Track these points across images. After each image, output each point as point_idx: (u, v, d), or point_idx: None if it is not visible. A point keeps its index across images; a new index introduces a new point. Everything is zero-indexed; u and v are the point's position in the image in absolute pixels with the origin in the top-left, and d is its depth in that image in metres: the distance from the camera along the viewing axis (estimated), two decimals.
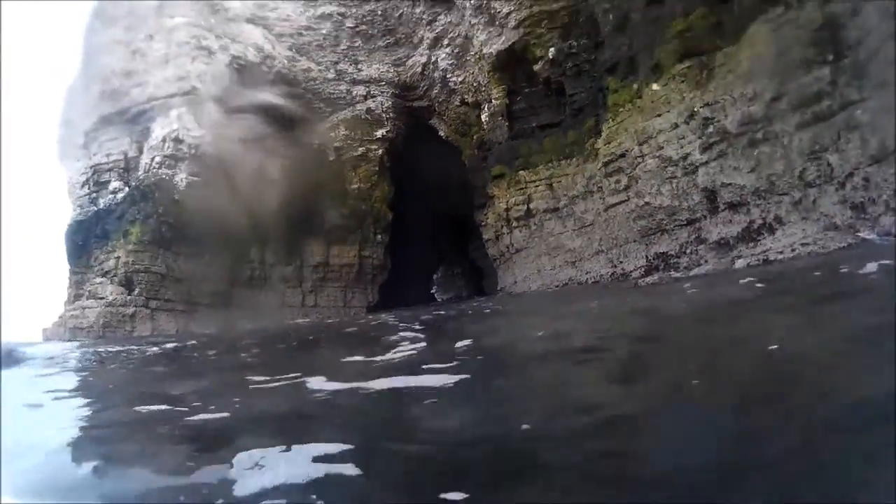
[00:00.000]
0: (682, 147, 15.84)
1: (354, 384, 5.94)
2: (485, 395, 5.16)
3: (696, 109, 15.36)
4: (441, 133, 30.20)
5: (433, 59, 29.12)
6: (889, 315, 4.47)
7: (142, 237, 26.25)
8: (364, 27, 31.26)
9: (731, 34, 14.77)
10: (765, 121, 13.43)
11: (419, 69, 30.17)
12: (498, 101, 24.61)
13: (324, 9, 31.00)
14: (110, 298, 25.41)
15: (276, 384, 6.63)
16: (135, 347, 15.51)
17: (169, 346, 15.72)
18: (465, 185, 28.88)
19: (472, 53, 26.08)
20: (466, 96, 27.23)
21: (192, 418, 4.87)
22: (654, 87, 17.22)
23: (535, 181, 22.66)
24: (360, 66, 31.26)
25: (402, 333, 11.51)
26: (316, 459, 3.23)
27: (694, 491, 2.53)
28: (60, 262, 29.35)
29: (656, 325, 7.83)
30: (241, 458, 3.27)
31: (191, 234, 26.71)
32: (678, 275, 13.59)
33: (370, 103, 30.83)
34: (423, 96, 30.78)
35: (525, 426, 3.75)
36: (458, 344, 8.20)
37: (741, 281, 9.15)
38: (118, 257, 26.19)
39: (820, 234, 11.37)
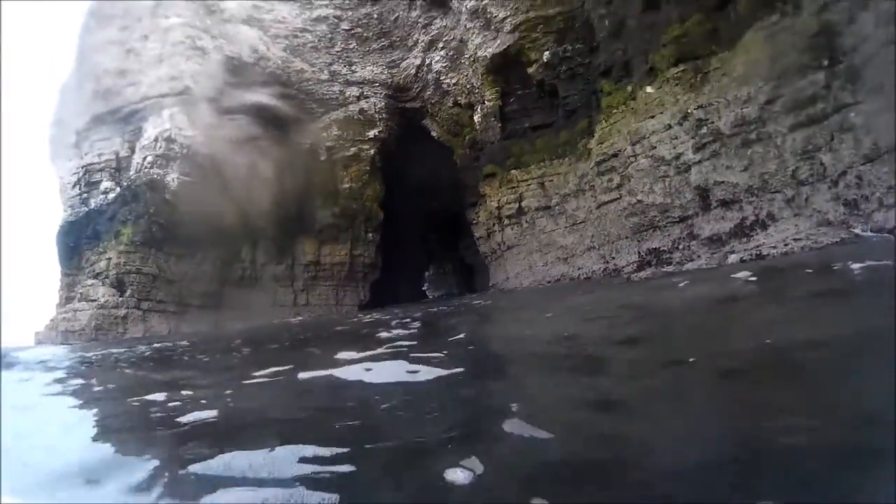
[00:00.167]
0: (675, 147, 15.89)
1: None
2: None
3: (689, 111, 15.42)
4: (433, 133, 30.22)
5: (427, 61, 29.19)
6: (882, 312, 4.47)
7: (133, 238, 26.14)
8: (359, 30, 31.32)
9: (727, 40, 14.82)
10: (758, 122, 13.49)
11: (413, 71, 30.23)
12: (491, 103, 24.66)
13: (320, 11, 31.08)
14: (102, 300, 25.28)
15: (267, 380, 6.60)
16: (124, 349, 15.39)
17: (157, 346, 15.60)
18: (457, 184, 28.96)
19: (467, 56, 26.13)
20: (459, 98, 27.28)
21: (182, 418, 4.82)
22: (648, 89, 17.28)
23: (526, 180, 22.71)
24: (353, 68, 31.31)
25: (395, 331, 11.49)
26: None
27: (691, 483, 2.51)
28: (54, 265, 29.38)
29: (648, 317, 7.81)
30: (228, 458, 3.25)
31: (182, 234, 26.63)
32: (670, 269, 13.59)
33: (363, 104, 30.86)
34: (416, 97, 30.82)
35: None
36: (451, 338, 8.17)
37: (734, 276, 9.13)
38: (109, 258, 26.07)
39: (813, 229, 11.41)
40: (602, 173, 18.84)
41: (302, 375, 6.68)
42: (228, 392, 6.19)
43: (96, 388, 8.25)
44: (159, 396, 5.93)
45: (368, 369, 6.41)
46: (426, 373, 5.80)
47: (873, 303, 5.37)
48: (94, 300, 25.50)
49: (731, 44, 14.68)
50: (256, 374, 7.18)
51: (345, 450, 3.33)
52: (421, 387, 5.34)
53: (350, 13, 31.15)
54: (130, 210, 26.46)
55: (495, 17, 23.87)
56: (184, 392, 6.21)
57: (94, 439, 4.45)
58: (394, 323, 14.25)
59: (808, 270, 8.27)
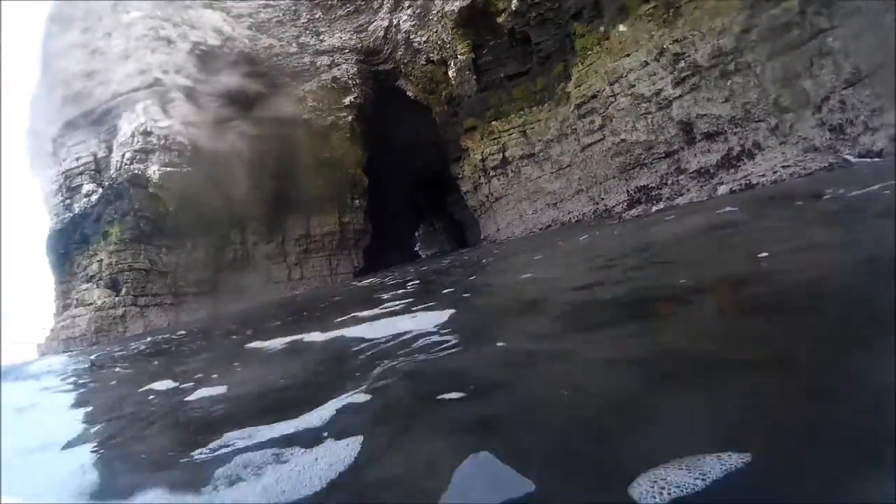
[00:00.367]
0: (654, 84, 15.80)
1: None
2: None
3: (665, 46, 15.30)
4: (409, 93, 29.84)
5: (395, 21, 28.64)
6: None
7: (121, 236, 26.03)
8: None
9: None
10: (736, 52, 13.42)
11: (381, 33, 29.69)
12: (464, 57, 24.33)
13: None
14: (99, 303, 25.32)
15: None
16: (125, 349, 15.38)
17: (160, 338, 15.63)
18: (438, 142, 28.87)
19: (435, 13, 25.66)
20: (432, 55, 26.85)
21: (190, 405, 4.86)
22: (622, 28, 17.11)
23: (508, 130, 22.64)
24: (321, 37, 30.76)
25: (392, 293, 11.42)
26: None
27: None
28: (48, 275, 29.28)
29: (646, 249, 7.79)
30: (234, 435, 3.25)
31: (170, 225, 26.62)
32: (661, 206, 13.66)
33: (335, 72, 30.43)
34: (387, 59, 30.34)
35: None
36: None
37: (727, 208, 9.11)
38: (101, 260, 26.00)
39: (800, 156, 11.47)
40: (583, 116, 18.75)
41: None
42: (237, 365, 6.22)
43: (96, 388, 8.33)
44: (168, 384, 5.95)
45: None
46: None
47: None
48: (91, 303, 25.52)
49: None
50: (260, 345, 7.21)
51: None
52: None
53: None
54: (115, 209, 26.28)
55: None
56: (195, 377, 6.24)
57: (95, 441, 4.50)
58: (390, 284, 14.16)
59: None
